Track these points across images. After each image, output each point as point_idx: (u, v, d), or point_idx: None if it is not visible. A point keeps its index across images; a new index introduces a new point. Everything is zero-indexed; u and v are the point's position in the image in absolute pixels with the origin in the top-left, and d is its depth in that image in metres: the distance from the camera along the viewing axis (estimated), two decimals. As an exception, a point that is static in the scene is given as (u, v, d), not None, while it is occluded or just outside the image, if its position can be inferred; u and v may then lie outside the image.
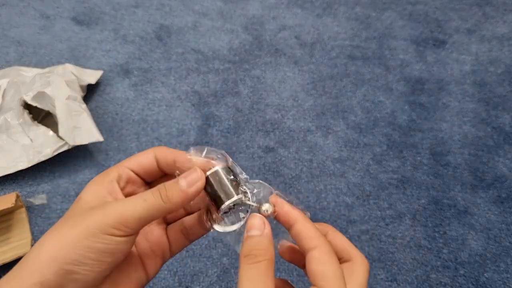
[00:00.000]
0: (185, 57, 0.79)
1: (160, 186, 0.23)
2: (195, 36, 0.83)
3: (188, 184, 0.23)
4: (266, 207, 0.25)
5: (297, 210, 0.24)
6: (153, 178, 0.26)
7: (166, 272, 0.53)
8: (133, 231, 0.21)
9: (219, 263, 0.54)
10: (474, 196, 0.62)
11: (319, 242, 0.22)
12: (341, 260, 0.24)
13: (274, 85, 0.76)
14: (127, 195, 0.24)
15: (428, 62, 0.81)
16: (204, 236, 0.56)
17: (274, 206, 0.25)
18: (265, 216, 0.24)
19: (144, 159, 0.25)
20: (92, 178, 0.27)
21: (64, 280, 0.19)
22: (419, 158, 0.66)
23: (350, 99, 0.74)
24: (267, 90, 0.75)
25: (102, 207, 0.21)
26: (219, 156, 0.25)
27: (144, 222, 0.21)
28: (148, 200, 0.22)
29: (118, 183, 0.24)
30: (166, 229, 0.26)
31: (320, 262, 0.21)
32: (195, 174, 0.23)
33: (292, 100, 0.73)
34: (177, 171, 0.24)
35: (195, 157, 0.25)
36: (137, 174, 0.25)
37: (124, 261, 0.23)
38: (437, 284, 0.54)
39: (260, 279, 0.20)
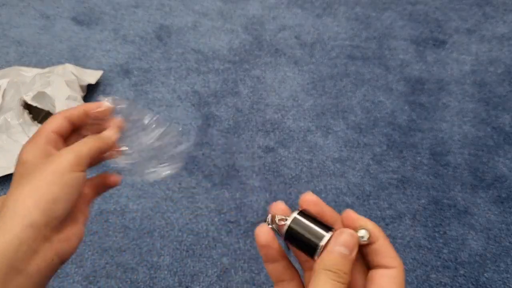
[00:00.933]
0: (185, 57, 0.79)
1: (98, 135, 0.28)
2: (195, 36, 0.83)
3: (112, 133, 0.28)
4: (362, 233, 0.23)
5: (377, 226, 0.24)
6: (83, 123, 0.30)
7: (166, 272, 0.53)
8: (86, 166, 0.26)
9: (219, 263, 0.54)
10: (474, 196, 0.62)
11: (398, 263, 0.22)
12: (377, 265, 0.24)
13: (274, 85, 0.76)
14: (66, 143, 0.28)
15: (428, 62, 0.81)
16: (204, 236, 0.56)
17: (369, 233, 0.23)
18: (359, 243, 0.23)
19: (59, 123, 0.27)
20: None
21: (48, 218, 0.22)
22: (419, 158, 0.66)
23: (350, 99, 0.74)
24: (267, 90, 0.75)
25: (59, 154, 0.25)
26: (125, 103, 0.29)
27: (92, 157, 0.26)
28: (93, 141, 0.27)
29: (59, 134, 0.27)
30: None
31: (393, 282, 0.22)
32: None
33: (292, 100, 0.73)
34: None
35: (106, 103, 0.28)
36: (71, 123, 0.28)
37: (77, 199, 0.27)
38: (437, 284, 0.54)
39: None
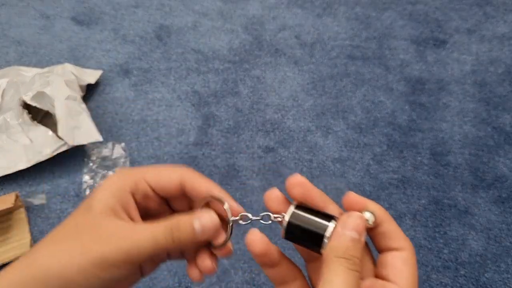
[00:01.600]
0: (185, 57, 0.79)
1: (174, 225, 0.22)
2: (195, 36, 0.83)
3: (202, 229, 0.22)
4: (367, 216, 0.21)
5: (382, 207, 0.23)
6: (170, 197, 0.25)
7: (166, 273, 0.53)
8: (138, 265, 0.22)
9: (219, 263, 0.54)
10: (475, 196, 0.62)
11: (409, 245, 0.21)
12: (387, 248, 0.23)
13: (274, 85, 0.75)
14: (141, 210, 0.24)
15: (428, 62, 0.81)
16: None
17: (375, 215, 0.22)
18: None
19: (168, 181, 0.23)
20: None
21: None
22: (419, 158, 0.66)
23: (350, 99, 0.74)
24: (267, 90, 0.74)
25: (115, 239, 0.21)
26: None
27: (150, 259, 0.22)
28: (158, 240, 0.21)
29: (134, 196, 0.23)
30: None
31: (407, 264, 0.21)
32: (208, 217, 0.22)
33: (292, 100, 0.73)
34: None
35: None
36: (154, 191, 0.24)
37: None
38: (437, 284, 0.54)
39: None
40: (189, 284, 0.52)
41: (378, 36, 0.86)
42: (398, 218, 0.59)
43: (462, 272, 0.55)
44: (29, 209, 0.57)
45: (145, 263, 0.23)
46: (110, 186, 0.22)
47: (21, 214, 0.56)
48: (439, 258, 0.56)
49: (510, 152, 0.68)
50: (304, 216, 0.21)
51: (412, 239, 0.57)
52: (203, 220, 0.22)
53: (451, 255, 0.56)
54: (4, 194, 0.58)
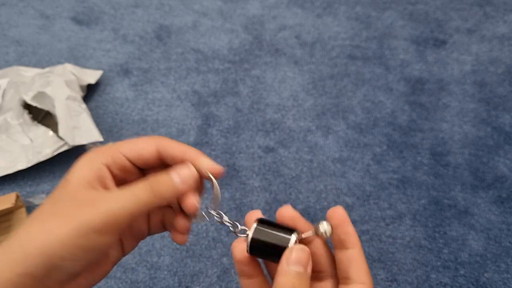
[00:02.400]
0: (185, 57, 0.79)
1: (152, 180, 0.22)
2: (195, 36, 0.83)
3: (181, 180, 0.22)
4: (325, 228, 0.21)
5: (355, 231, 0.22)
6: (148, 167, 0.25)
7: (166, 272, 0.53)
8: (122, 229, 0.21)
9: (219, 263, 0.54)
10: (475, 196, 0.62)
11: (369, 280, 0.21)
12: (341, 279, 0.22)
13: (274, 85, 0.75)
14: (117, 182, 0.23)
15: (428, 62, 0.81)
16: (204, 236, 0.56)
17: (332, 227, 0.22)
18: (322, 238, 0.21)
19: (144, 150, 0.23)
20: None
21: (48, 272, 0.19)
22: (419, 158, 0.66)
23: (350, 99, 0.74)
24: (267, 90, 0.75)
25: (92, 204, 0.20)
26: None
27: (134, 218, 0.21)
28: (139, 196, 0.21)
29: (110, 169, 0.23)
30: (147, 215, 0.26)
31: (360, 261, 0.21)
32: (186, 170, 0.22)
33: (292, 100, 0.73)
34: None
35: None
36: (131, 162, 0.24)
37: None
38: (437, 284, 0.54)
39: None
40: (189, 284, 0.52)
41: (378, 36, 0.86)
42: (398, 218, 0.60)
43: (462, 272, 0.55)
44: (30, 209, 0.57)
45: (125, 232, 0.23)
46: (86, 161, 0.22)
47: (22, 214, 0.56)
48: (438, 258, 0.56)
49: (510, 152, 0.68)
50: (266, 232, 0.22)
51: (412, 239, 0.58)
52: (181, 173, 0.22)
53: (451, 255, 0.56)
54: (4, 194, 0.59)
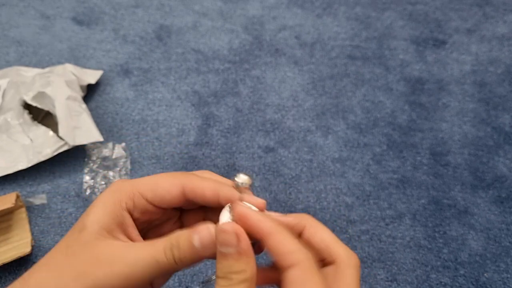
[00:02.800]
0: (185, 57, 0.79)
1: (173, 243, 0.19)
2: (195, 36, 0.83)
3: (201, 245, 0.20)
4: (242, 179, 0.20)
5: (269, 217, 0.20)
6: (174, 206, 0.22)
7: (166, 272, 0.53)
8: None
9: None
10: (474, 196, 0.62)
11: (299, 257, 0.18)
12: (324, 262, 0.21)
13: (274, 85, 0.76)
14: (140, 225, 0.22)
15: (428, 62, 0.81)
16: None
17: (251, 178, 0.20)
18: (243, 189, 0.20)
19: (168, 194, 0.21)
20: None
21: None
22: (419, 158, 0.66)
23: (350, 99, 0.74)
24: (267, 90, 0.75)
25: (110, 264, 0.19)
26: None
27: (151, 281, 0.20)
28: (159, 260, 0.19)
29: (131, 213, 0.21)
30: None
31: (299, 285, 0.17)
32: (207, 232, 0.20)
33: (292, 100, 0.73)
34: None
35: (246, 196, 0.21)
36: (154, 205, 0.21)
37: None
38: (437, 284, 0.54)
39: None
40: (190, 284, 0.52)
41: (378, 36, 0.86)
42: (398, 218, 0.60)
43: (462, 272, 0.55)
44: (30, 209, 0.57)
45: (148, 284, 0.21)
46: (104, 204, 0.21)
47: (22, 214, 0.56)
48: (438, 258, 0.56)
49: (509, 152, 0.68)
50: None
51: (412, 239, 0.58)
52: (201, 235, 0.20)
53: (451, 255, 0.56)
54: (5, 194, 0.59)
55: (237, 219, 0.20)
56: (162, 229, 0.24)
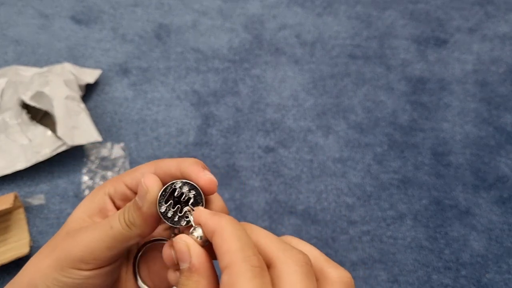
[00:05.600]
0: (184, 56, 0.78)
1: (125, 209, 0.20)
2: (195, 35, 0.83)
3: (140, 199, 0.19)
4: (198, 233, 0.18)
5: (222, 215, 0.18)
6: None
7: (165, 273, 0.53)
8: (104, 263, 0.19)
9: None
10: (476, 197, 0.62)
11: (233, 258, 0.16)
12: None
13: (274, 84, 0.75)
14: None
15: (429, 61, 0.81)
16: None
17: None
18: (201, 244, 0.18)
19: (142, 175, 0.21)
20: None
21: None
22: (420, 158, 0.66)
23: (351, 99, 0.74)
24: (267, 90, 0.74)
25: (73, 235, 0.19)
26: None
27: (115, 252, 0.19)
28: (114, 227, 0.19)
29: (113, 200, 0.22)
30: None
31: None
32: (143, 188, 0.19)
33: (293, 99, 0.73)
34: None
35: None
36: (133, 191, 0.22)
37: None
38: (438, 285, 0.53)
39: None
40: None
41: (379, 35, 0.85)
42: (399, 218, 0.59)
43: (463, 273, 0.55)
44: (28, 209, 0.57)
45: (111, 258, 0.20)
46: (90, 194, 0.22)
47: (20, 214, 0.56)
48: (440, 259, 0.56)
49: (511, 152, 0.67)
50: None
51: (413, 239, 0.57)
52: (139, 192, 0.19)
53: (452, 256, 0.56)
54: (3, 194, 0.58)
55: (196, 223, 0.19)
56: None
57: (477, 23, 0.89)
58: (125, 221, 0.20)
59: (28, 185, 0.59)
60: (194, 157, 0.64)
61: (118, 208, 0.22)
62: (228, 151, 0.65)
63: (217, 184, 0.21)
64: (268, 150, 0.66)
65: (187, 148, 0.65)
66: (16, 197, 0.54)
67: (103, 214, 0.21)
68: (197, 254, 0.17)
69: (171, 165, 0.21)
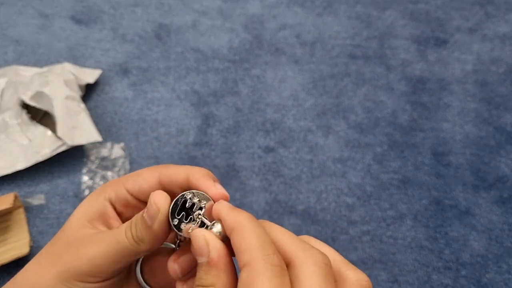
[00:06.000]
0: (184, 56, 0.78)
1: (132, 222, 0.19)
2: (195, 35, 0.83)
3: (149, 217, 0.19)
4: (217, 228, 0.18)
5: (240, 211, 0.18)
6: None
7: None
8: (110, 276, 0.19)
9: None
10: (476, 197, 0.62)
11: (253, 255, 0.15)
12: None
13: (274, 84, 0.75)
14: (124, 220, 0.22)
15: (429, 61, 0.81)
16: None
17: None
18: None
19: (146, 182, 0.21)
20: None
21: None
22: (420, 158, 0.66)
23: (351, 99, 0.74)
24: (267, 90, 0.74)
25: (77, 247, 0.19)
26: None
27: (122, 265, 0.19)
28: (121, 242, 0.19)
29: (114, 205, 0.21)
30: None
31: None
32: (153, 206, 0.19)
33: (293, 99, 0.73)
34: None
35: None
36: (135, 197, 0.21)
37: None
38: (438, 285, 0.53)
39: None
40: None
41: (379, 35, 0.85)
42: (399, 218, 0.59)
43: (463, 273, 0.55)
44: (28, 209, 0.57)
45: (116, 271, 0.20)
46: (90, 197, 0.21)
47: (20, 214, 0.56)
48: (440, 259, 0.56)
49: (511, 152, 0.67)
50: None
51: (413, 239, 0.57)
52: (149, 209, 0.19)
53: (452, 256, 0.56)
54: (3, 194, 0.58)
55: (215, 217, 0.19)
56: None
57: (477, 23, 0.89)
58: (133, 237, 0.19)
59: (28, 185, 0.59)
60: (194, 157, 0.64)
61: (119, 214, 0.22)
62: (228, 151, 0.65)
63: (229, 197, 0.21)
64: (268, 150, 0.66)
65: (187, 148, 0.65)
66: (16, 197, 0.54)
67: (103, 219, 0.21)
68: (217, 248, 0.17)
69: (178, 174, 0.21)
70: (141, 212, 0.20)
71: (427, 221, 0.59)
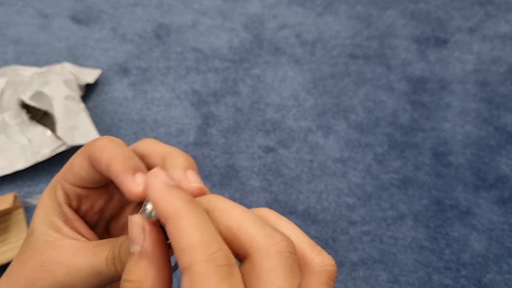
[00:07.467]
0: (184, 56, 0.78)
1: (115, 256, 0.17)
2: (195, 35, 0.83)
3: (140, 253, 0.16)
4: (149, 208, 0.15)
5: (177, 193, 0.14)
6: (102, 182, 0.20)
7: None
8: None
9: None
10: (476, 197, 0.62)
11: (193, 257, 0.13)
12: (239, 256, 0.15)
13: (275, 84, 0.75)
14: (84, 214, 0.21)
15: (429, 61, 0.81)
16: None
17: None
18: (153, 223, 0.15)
19: (81, 168, 0.19)
20: None
21: None
22: (420, 158, 0.66)
23: (351, 99, 0.74)
24: (267, 90, 0.74)
25: (52, 272, 0.18)
26: None
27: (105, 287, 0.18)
28: (102, 274, 0.18)
29: (70, 205, 0.20)
30: None
31: None
32: (137, 237, 0.16)
33: (293, 99, 0.73)
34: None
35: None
36: (82, 187, 0.20)
37: None
38: (439, 285, 0.53)
39: None
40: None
41: (379, 35, 0.85)
42: (400, 218, 0.59)
43: (464, 273, 0.54)
44: (28, 209, 0.57)
45: None
46: (44, 203, 0.20)
47: (20, 214, 0.56)
48: (440, 259, 0.55)
49: (512, 152, 0.67)
50: None
51: (413, 240, 0.57)
52: (135, 239, 0.16)
53: (453, 256, 0.56)
54: (2, 194, 0.58)
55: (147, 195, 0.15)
56: (122, 217, 0.23)
57: (477, 23, 0.89)
58: (116, 269, 0.18)
59: (28, 185, 0.59)
60: (194, 157, 0.64)
61: (76, 210, 0.20)
62: (228, 151, 0.65)
63: (205, 192, 0.18)
64: (268, 150, 0.65)
65: (187, 148, 0.65)
66: (15, 197, 0.54)
67: (69, 224, 0.20)
68: (153, 239, 0.15)
69: (155, 156, 0.19)
70: (125, 243, 0.18)
71: (427, 221, 0.59)
